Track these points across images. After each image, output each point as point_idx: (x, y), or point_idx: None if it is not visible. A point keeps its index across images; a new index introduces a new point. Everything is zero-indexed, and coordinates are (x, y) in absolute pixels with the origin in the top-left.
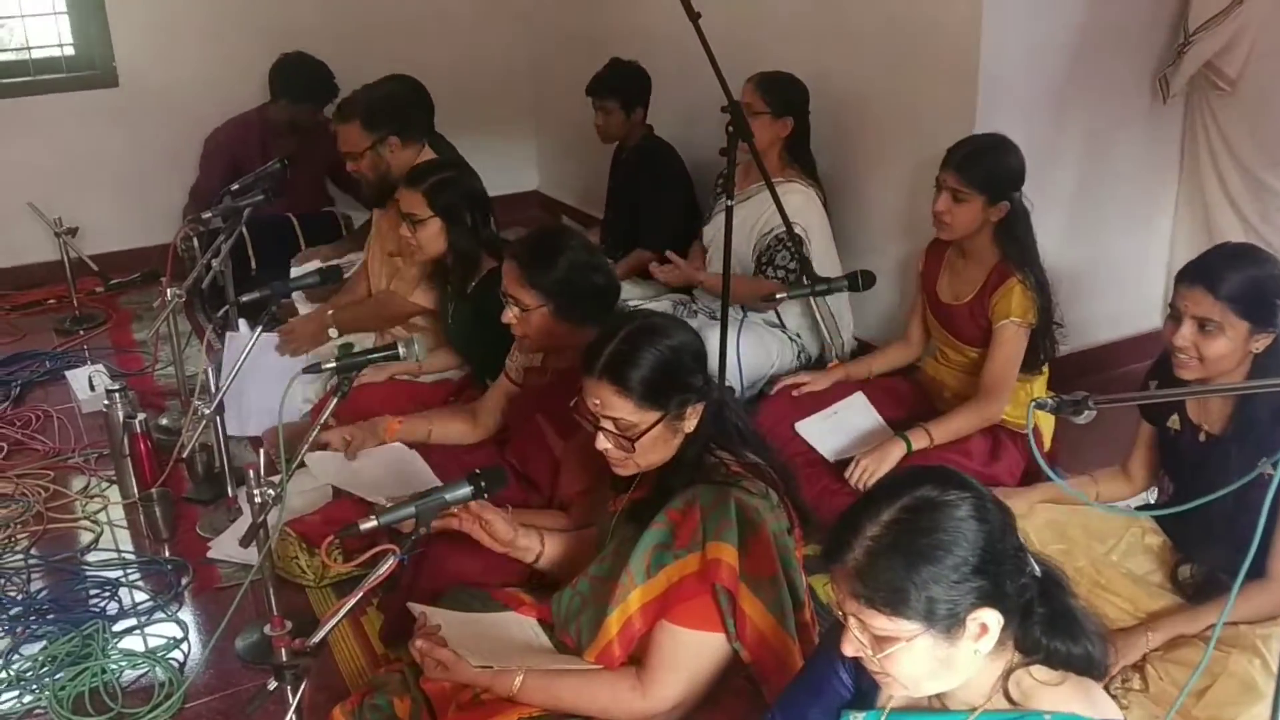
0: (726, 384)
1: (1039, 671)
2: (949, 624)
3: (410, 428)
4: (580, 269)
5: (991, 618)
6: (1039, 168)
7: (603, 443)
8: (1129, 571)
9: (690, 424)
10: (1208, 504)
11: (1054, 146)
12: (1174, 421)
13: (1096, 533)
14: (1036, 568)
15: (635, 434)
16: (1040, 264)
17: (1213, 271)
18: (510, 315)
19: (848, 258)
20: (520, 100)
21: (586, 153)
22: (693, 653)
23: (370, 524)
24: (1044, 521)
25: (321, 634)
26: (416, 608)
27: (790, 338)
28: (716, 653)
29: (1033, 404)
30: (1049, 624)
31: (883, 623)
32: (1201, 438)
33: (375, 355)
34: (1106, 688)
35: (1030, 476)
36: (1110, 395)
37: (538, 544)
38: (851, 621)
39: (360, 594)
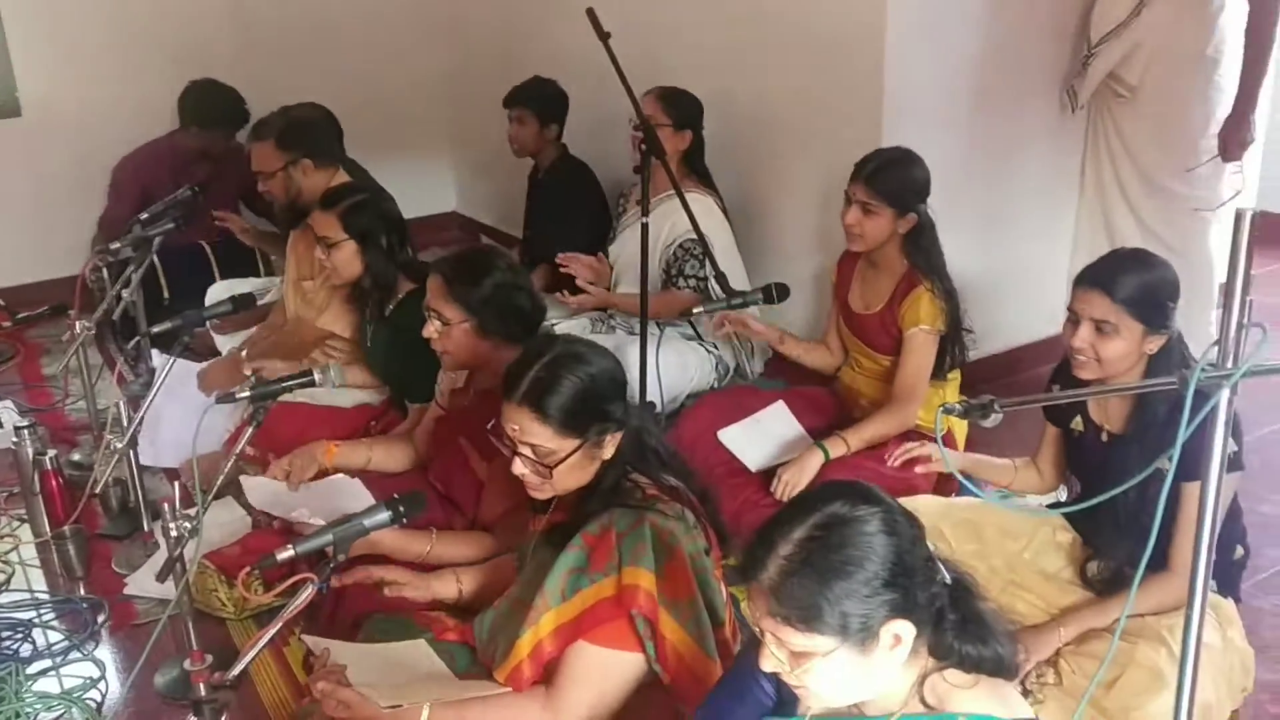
0: (647, 399)
1: (952, 675)
2: (863, 637)
3: (348, 453)
4: (505, 289)
5: (904, 628)
6: (948, 178)
7: (519, 467)
8: (1041, 569)
9: (608, 451)
10: (1113, 501)
11: (962, 158)
12: (1077, 423)
13: (1010, 532)
14: (947, 575)
15: (553, 461)
16: (947, 273)
17: (1109, 275)
18: (431, 329)
19: (763, 271)
20: (437, 122)
21: (504, 173)
22: (605, 671)
23: (287, 553)
24: (959, 521)
25: (240, 667)
26: (319, 643)
27: (708, 350)
28: (630, 672)
29: (941, 409)
30: (960, 629)
31: (798, 639)
32: (1104, 438)
33: (291, 383)
34: (1022, 683)
35: (945, 479)
36: (1015, 398)
37: (454, 586)
38: (768, 638)
39: (279, 624)
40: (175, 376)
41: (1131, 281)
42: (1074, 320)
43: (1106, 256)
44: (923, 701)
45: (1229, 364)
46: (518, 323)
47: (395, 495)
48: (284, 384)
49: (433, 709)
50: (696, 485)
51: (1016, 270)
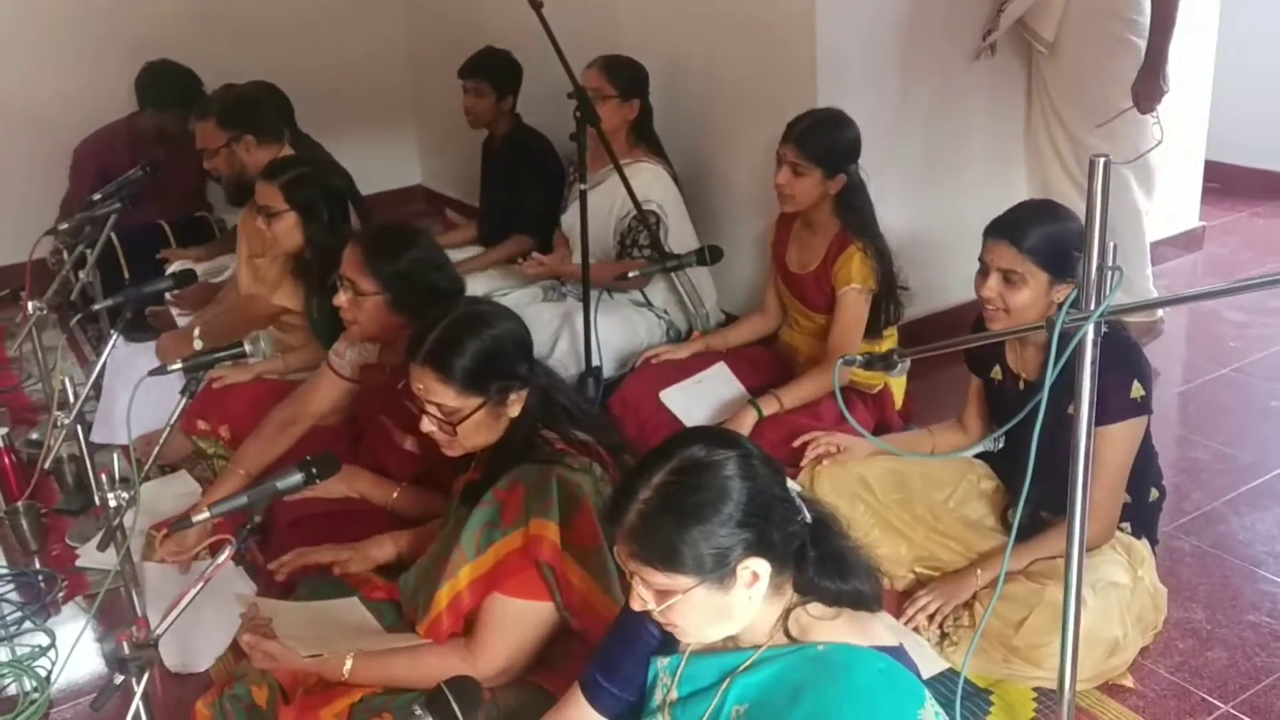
0: (595, 364)
1: (814, 609)
2: (721, 575)
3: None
4: (422, 264)
5: (761, 566)
6: (884, 137)
7: (427, 425)
8: (964, 516)
9: (514, 409)
10: (1027, 448)
11: (899, 116)
12: (996, 372)
13: (935, 481)
14: (807, 514)
15: (457, 419)
16: (879, 232)
17: (1015, 226)
18: (342, 299)
19: (709, 234)
20: (399, 96)
21: (467, 145)
22: (519, 620)
23: (202, 516)
24: (884, 470)
25: (164, 627)
26: (245, 598)
27: (658, 315)
28: (543, 620)
29: (841, 361)
30: (819, 565)
31: (660, 578)
32: (1021, 385)
33: (221, 355)
34: (940, 625)
35: (879, 433)
36: (915, 348)
37: (391, 549)
38: (635, 579)
39: (201, 584)
40: (124, 355)
41: (1037, 232)
42: (984, 271)
43: (1014, 208)
44: (787, 634)
45: (1091, 305)
46: (431, 300)
47: (308, 458)
48: (215, 355)
49: (356, 659)
50: (612, 439)
51: (959, 227)
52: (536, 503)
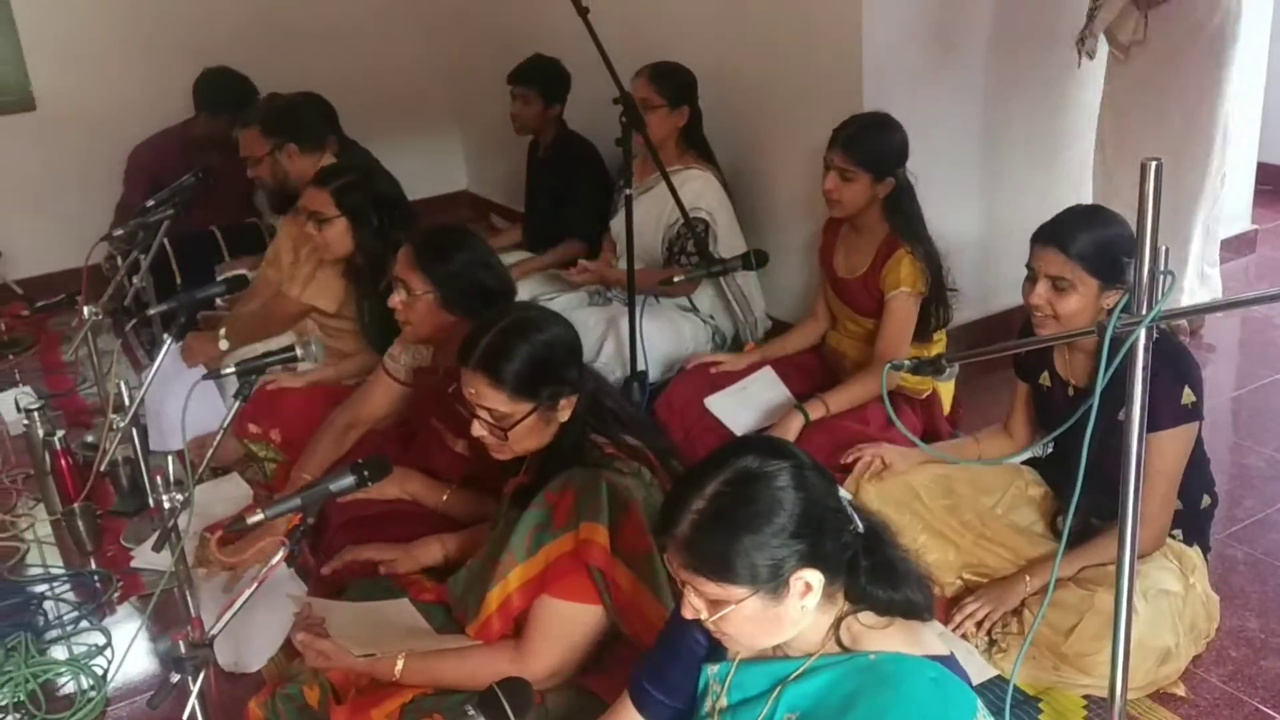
0: (640, 369)
1: (866, 617)
2: (774, 586)
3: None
4: (472, 265)
5: (814, 576)
6: (931, 140)
7: (478, 429)
8: (1013, 523)
9: (564, 414)
10: (1077, 454)
11: (946, 119)
12: (1044, 379)
13: (983, 487)
14: (859, 524)
15: (508, 423)
16: (928, 235)
17: (1063, 232)
18: (396, 300)
19: (756, 239)
20: (446, 102)
21: (513, 151)
22: (568, 623)
23: (257, 517)
24: (932, 477)
25: (219, 627)
26: (299, 599)
27: (704, 320)
28: (592, 624)
29: (889, 365)
30: (871, 574)
31: (713, 589)
32: (1070, 392)
33: (273, 358)
34: (989, 632)
35: (927, 439)
36: (964, 353)
37: (438, 551)
38: (686, 588)
39: (255, 586)
40: (168, 362)
41: (1085, 237)
42: (1031, 278)
43: (1061, 214)
44: (839, 642)
45: (1143, 311)
46: (482, 300)
47: (360, 460)
48: (267, 359)
49: (407, 659)
50: (658, 442)
51: (1010, 230)
52: (586, 506)
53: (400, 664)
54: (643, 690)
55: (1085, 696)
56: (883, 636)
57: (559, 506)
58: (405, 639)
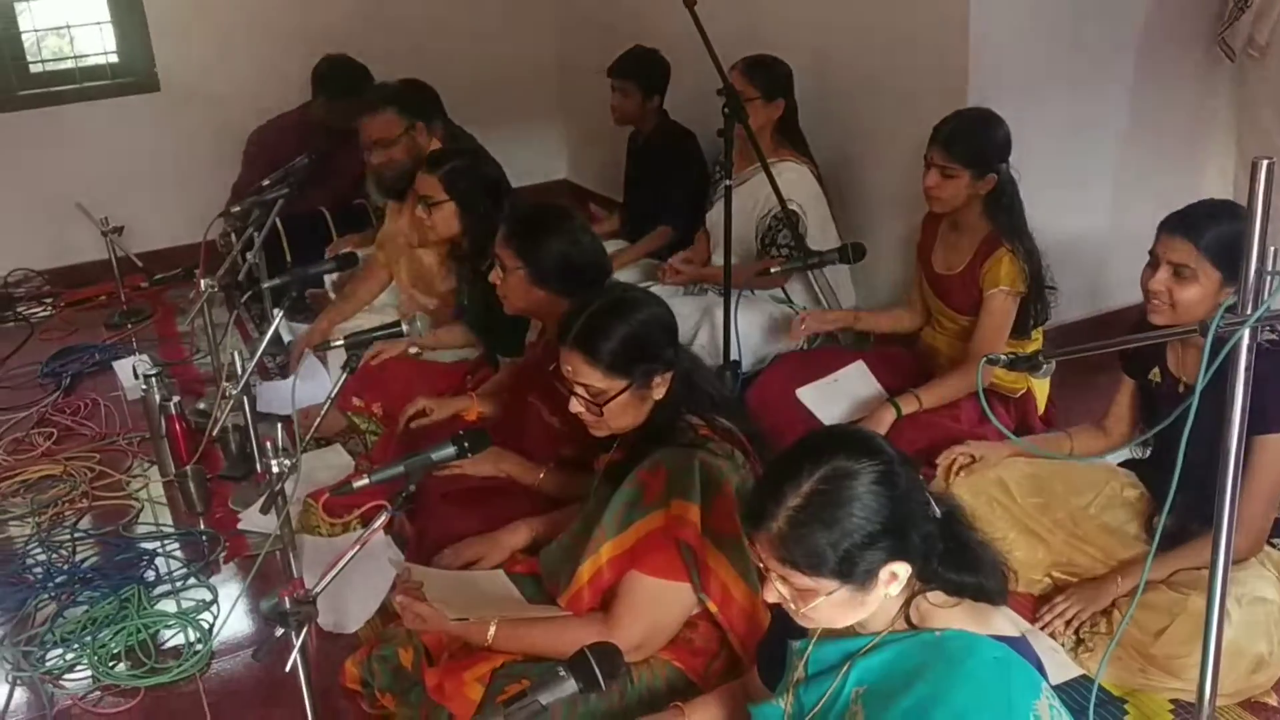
0: (732, 358)
1: (934, 596)
2: (864, 579)
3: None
4: (565, 242)
5: (901, 568)
6: (1036, 138)
7: (575, 406)
8: (1105, 524)
9: (659, 392)
10: (1183, 455)
11: (1053, 117)
12: (1154, 374)
13: (1076, 486)
14: (938, 510)
15: (604, 400)
16: (1029, 232)
17: (1194, 222)
18: (495, 275)
19: (852, 233)
20: (547, 92)
21: (612, 140)
22: (656, 599)
23: (363, 482)
24: (1024, 474)
25: (323, 584)
26: (400, 564)
27: (797, 312)
28: (679, 601)
29: (984, 360)
30: (945, 557)
31: (804, 581)
32: (1180, 389)
33: (379, 333)
34: (1077, 631)
35: (1018, 436)
36: (1061, 349)
37: (525, 535)
38: (774, 577)
39: (358, 547)
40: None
41: (1216, 229)
42: (1153, 264)
43: (1194, 204)
44: (908, 620)
45: (1249, 310)
46: (573, 277)
47: (460, 432)
48: (373, 334)
49: (499, 625)
50: (752, 428)
51: (1117, 229)
52: (679, 484)
53: (493, 629)
54: (761, 658)
55: (1173, 701)
56: (949, 615)
57: (650, 484)
58: (498, 606)
